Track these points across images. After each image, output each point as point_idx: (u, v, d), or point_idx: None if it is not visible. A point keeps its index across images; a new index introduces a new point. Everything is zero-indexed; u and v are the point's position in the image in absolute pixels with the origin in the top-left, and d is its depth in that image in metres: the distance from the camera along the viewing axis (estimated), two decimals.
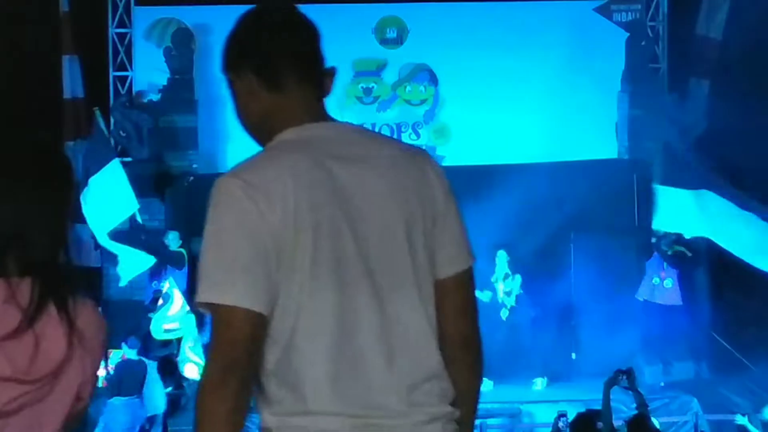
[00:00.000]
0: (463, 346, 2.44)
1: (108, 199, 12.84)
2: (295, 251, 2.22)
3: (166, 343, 12.85)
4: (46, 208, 2.23)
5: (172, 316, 12.42)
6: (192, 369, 12.26)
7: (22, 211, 2.21)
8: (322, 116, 2.41)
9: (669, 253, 13.23)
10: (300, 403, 2.24)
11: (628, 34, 14.95)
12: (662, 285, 13.23)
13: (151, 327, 12.60)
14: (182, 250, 13.47)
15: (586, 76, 14.68)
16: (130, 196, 13.01)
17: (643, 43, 14.91)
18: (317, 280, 2.23)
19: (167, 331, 12.57)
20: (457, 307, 2.42)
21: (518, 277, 13.38)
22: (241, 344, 2.18)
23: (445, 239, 2.40)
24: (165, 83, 14.69)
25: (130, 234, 13.30)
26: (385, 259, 2.30)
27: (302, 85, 2.40)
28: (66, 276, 2.23)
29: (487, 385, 12.93)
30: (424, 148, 13.40)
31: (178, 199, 14.01)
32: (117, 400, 11.67)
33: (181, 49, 14.69)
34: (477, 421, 12.41)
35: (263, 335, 2.22)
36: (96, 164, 13.03)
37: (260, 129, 2.41)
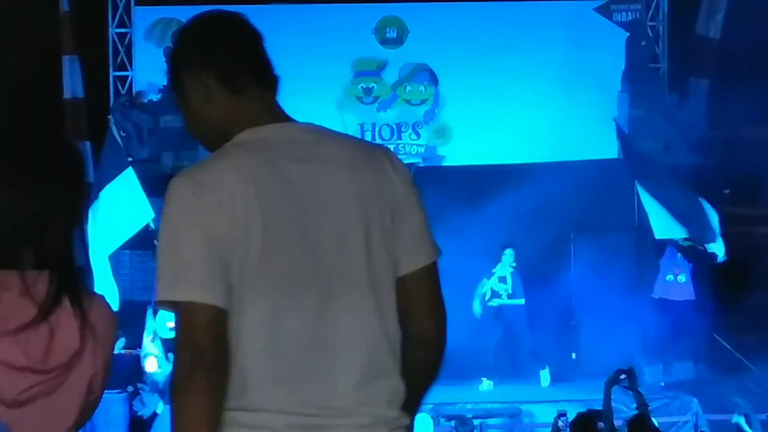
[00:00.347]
0: (422, 346, 2.42)
1: (122, 209, 12.70)
2: (244, 251, 2.24)
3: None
4: (61, 203, 2.26)
5: None
6: (152, 363, 12.29)
7: (39, 207, 2.23)
8: (280, 117, 2.41)
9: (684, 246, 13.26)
10: (243, 400, 2.25)
11: (628, 34, 14.94)
12: (676, 281, 13.26)
13: (156, 326, 12.60)
14: None
15: (586, 76, 14.67)
16: (144, 204, 12.89)
17: (643, 43, 14.90)
18: (264, 279, 2.24)
19: (172, 329, 12.55)
20: (419, 306, 2.40)
21: (522, 301, 13.39)
22: (203, 338, 2.19)
23: (406, 235, 2.38)
24: (165, 83, 14.66)
25: (142, 240, 13.23)
26: (338, 260, 2.30)
27: (259, 87, 2.41)
28: (80, 271, 2.27)
29: (487, 385, 12.94)
30: (424, 147, 13.26)
31: None
32: None
33: None
34: (477, 422, 12.30)
35: (225, 329, 2.23)
36: (109, 174, 12.89)
37: (217, 133, 2.41)
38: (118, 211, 12.60)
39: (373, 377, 2.30)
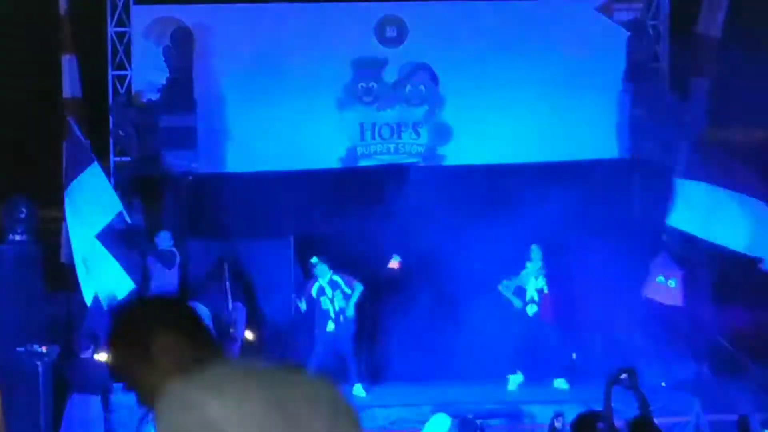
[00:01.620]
0: None
1: (89, 203, 12.76)
2: None
3: None
4: None
5: None
6: None
7: None
8: None
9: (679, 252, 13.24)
10: None
11: (629, 33, 14.93)
12: (666, 284, 13.22)
13: None
14: (173, 249, 13.53)
15: (587, 75, 14.66)
16: (112, 198, 12.90)
17: (644, 42, 14.89)
18: None
19: None
20: None
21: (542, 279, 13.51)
22: None
23: None
24: (164, 82, 14.65)
25: (123, 235, 13.20)
26: None
27: None
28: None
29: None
30: (424, 147, 13.17)
31: (178, 198, 13.99)
32: (76, 397, 12.17)
33: (181, 48, 14.64)
34: (477, 422, 12.23)
35: None
36: (74, 170, 12.94)
37: None
38: (86, 205, 12.69)
39: None
